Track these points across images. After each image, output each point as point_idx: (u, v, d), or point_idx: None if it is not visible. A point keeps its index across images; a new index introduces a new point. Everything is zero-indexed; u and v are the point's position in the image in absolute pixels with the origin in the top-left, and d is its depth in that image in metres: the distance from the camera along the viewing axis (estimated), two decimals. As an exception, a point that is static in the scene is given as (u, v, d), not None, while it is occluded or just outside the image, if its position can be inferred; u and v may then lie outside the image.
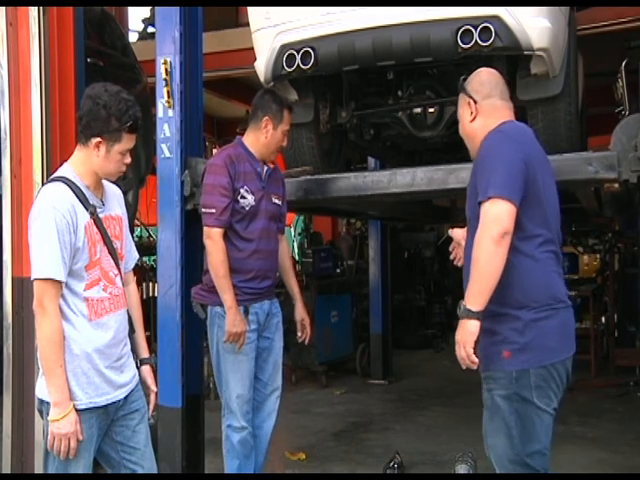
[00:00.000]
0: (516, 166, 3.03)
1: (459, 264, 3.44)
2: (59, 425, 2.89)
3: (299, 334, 4.58)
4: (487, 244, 2.93)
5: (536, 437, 3.06)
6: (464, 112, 3.32)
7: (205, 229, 4.18)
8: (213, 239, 4.13)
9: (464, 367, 3.04)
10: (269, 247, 4.32)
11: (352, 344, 9.08)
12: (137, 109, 3.08)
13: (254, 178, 4.26)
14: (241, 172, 4.19)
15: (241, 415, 4.20)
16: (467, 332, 2.95)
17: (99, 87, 3.09)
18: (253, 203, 4.20)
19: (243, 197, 4.18)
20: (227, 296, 4.10)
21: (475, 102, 3.25)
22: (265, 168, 4.33)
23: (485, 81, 3.31)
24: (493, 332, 3.06)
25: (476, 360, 2.96)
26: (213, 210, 4.14)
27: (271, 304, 4.39)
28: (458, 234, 3.52)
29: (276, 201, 4.37)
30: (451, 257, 3.60)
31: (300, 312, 4.59)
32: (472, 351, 2.94)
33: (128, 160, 3.15)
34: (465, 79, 3.38)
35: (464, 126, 3.34)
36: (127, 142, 3.08)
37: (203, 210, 4.21)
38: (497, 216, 2.95)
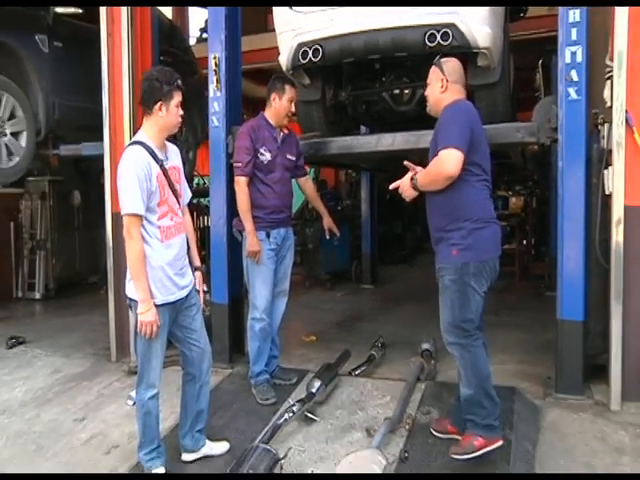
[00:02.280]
0: (467, 130, 3.08)
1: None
2: (144, 316, 2.92)
3: (327, 236, 4.67)
4: (440, 173, 3.07)
5: (469, 309, 3.13)
6: (436, 83, 3.28)
7: (235, 178, 4.17)
8: (240, 185, 4.13)
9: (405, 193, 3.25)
10: (283, 190, 4.26)
11: (349, 260, 9.03)
12: (177, 74, 3.07)
13: (271, 141, 4.20)
14: (260, 137, 4.15)
15: (262, 310, 4.18)
16: (409, 186, 3.21)
17: (149, 71, 3.14)
18: (270, 158, 4.16)
19: (262, 154, 4.14)
20: (248, 224, 4.11)
21: (447, 81, 3.24)
22: (281, 134, 4.25)
23: (457, 70, 3.30)
24: (447, 238, 3.16)
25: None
26: (240, 164, 4.12)
27: (287, 231, 4.34)
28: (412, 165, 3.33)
29: (290, 157, 4.30)
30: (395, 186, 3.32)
31: (327, 221, 4.59)
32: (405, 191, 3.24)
33: (181, 112, 3.09)
34: (441, 57, 3.35)
35: (434, 92, 3.30)
36: (178, 96, 3.05)
37: (234, 164, 4.21)
38: (453, 161, 3.01)
